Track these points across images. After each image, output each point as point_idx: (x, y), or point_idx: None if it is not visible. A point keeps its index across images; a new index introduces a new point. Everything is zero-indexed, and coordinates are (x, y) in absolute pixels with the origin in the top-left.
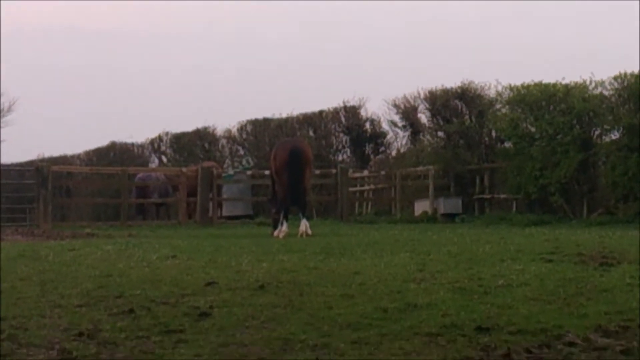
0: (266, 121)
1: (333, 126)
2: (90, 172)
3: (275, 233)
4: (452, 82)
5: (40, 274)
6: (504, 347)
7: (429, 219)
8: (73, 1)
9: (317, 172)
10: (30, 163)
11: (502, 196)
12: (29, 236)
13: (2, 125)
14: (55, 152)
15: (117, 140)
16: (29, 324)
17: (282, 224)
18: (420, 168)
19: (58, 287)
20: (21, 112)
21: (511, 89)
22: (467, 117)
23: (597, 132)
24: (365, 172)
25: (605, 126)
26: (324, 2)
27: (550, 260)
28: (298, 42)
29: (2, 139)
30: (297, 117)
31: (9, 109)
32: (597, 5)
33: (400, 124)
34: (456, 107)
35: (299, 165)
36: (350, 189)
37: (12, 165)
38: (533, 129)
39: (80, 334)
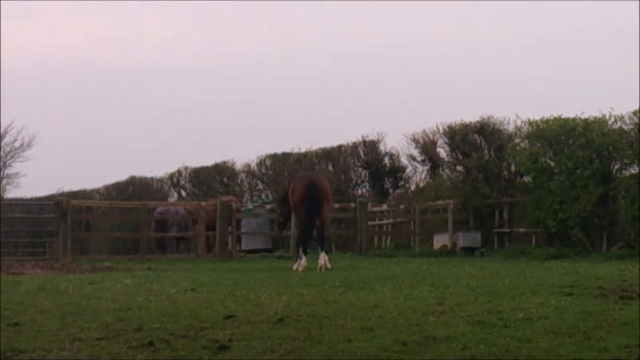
0: (285, 156)
1: (352, 160)
2: (110, 206)
3: (295, 267)
4: (471, 116)
5: (60, 307)
6: None
7: (448, 252)
8: (91, 36)
9: (336, 206)
10: (50, 197)
11: (522, 230)
12: (49, 270)
13: (22, 160)
14: (75, 187)
15: (136, 175)
16: (48, 357)
17: (301, 258)
18: (439, 202)
19: (78, 320)
20: (41, 147)
21: (530, 123)
22: (486, 151)
23: (616, 166)
24: (384, 206)
25: (625, 160)
26: (342, 38)
27: (570, 294)
28: (316, 76)
29: (22, 173)
30: (316, 152)
31: (29, 144)
32: (616, 40)
33: (419, 159)
34: (475, 142)
35: (317, 198)
36: (369, 222)
37: (32, 199)
38: (552, 163)
39: None
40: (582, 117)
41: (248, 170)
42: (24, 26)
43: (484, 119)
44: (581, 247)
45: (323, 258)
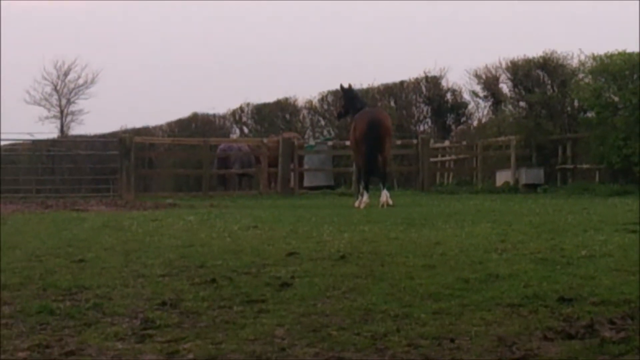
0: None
1: (414, 96)
2: (173, 143)
3: (356, 204)
4: (534, 51)
5: (123, 244)
6: (587, 318)
7: (511, 189)
8: None
9: (398, 142)
10: (114, 134)
11: (585, 166)
12: (113, 206)
13: (86, 97)
14: (138, 124)
15: (199, 112)
16: (113, 294)
17: (362, 195)
18: (501, 138)
19: (141, 257)
20: (104, 84)
21: (594, 58)
22: (549, 86)
23: None
24: (447, 143)
25: None
26: None
27: (633, 231)
28: (379, 13)
29: (86, 110)
30: (378, 88)
31: (92, 81)
32: None
33: (481, 94)
34: (538, 77)
35: (379, 135)
36: (432, 159)
37: (95, 136)
38: (616, 99)
39: (163, 304)
40: None
41: (310, 107)
42: None
43: (546, 54)
44: None
45: (385, 195)
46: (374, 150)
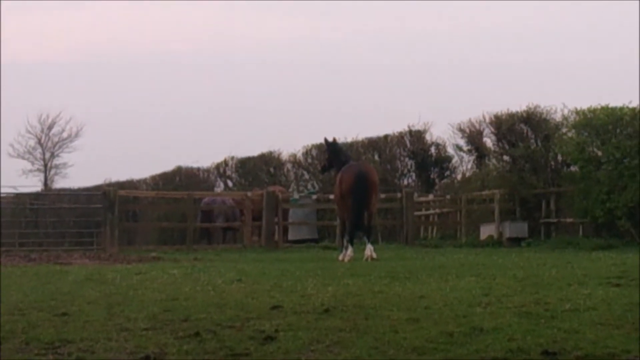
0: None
1: (398, 150)
2: (157, 197)
3: (341, 257)
4: (517, 106)
5: (107, 298)
6: None
7: (495, 243)
8: (136, 27)
9: (383, 196)
10: (98, 188)
11: (569, 220)
12: (96, 260)
13: (70, 150)
14: (122, 177)
15: (182, 165)
16: (96, 347)
17: (347, 248)
18: (485, 192)
19: (125, 310)
20: (88, 137)
21: (577, 112)
22: (532, 141)
23: None
24: (431, 196)
25: None
26: (385, 26)
27: (617, 285)
28: (363, 65)
29: (70, 164)
30: (362, 141)
31: (77, 134)
32: None
33: (465, 148)
34: (522, 131)
35: (365, 189)
36: (416, 213)
37: (79, 189)
38: (600, 153)
39: (147, 357)
40: (630, 106)
41: (294, 161)
42: (71, 16)
43: (530, 108)
44: (629, 238)
45: (369, 249)
46: (360, 204)
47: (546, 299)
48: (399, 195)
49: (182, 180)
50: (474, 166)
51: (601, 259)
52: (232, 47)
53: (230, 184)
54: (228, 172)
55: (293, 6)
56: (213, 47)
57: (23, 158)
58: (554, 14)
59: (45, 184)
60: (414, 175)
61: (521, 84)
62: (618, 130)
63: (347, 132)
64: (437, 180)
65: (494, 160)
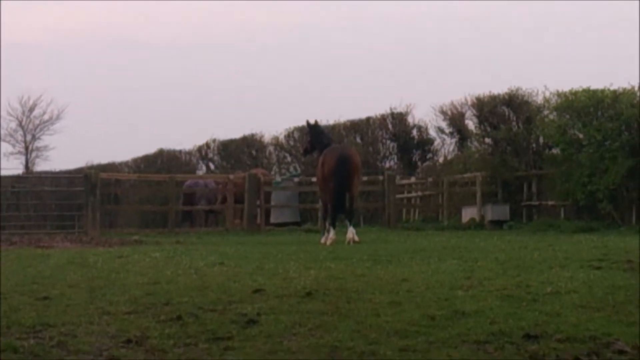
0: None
1: (380, 133)
2: (138, 180)
3: (323, 240)
4: (499, 88)
5: (88, 281)
6: (553, 355)
7: (477, 226)
8: (122, 11)
9: (365, 179)
10: (79, 170)
11: (550, 203)
12: (78, 243)
13: (51, 133)
14: (104, 160)
15: (165, 148)
16: (77, 331)
17: (329, 231)
18: (467, 175)
19: (106, 294)
20: (70, 120)
21: (559, 95)
22: (514, 123)
23: None
24: (413, 179)
25: None
26: (371, 5)
27: (598, 268)
28: (344, 46)
29: (51, 146)
30: (344, 124)
31: (58, 117)
32: None
33: (447, 131)
34: (503, 114)
35: (348, 172)
36: (398, 195)
37: (60, 172)
38: (581, 136)
39: (129, 341)
40: (611, 88)
41: (276, 143)
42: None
43: (512, 90)
44: (610, 220)
45: (351, 232)
46: (342, 187)
47: (528, 282)
48: (381, 177)
49: (164, 163)
50: (456, 149)
51: (582, 242)
52: (213, 29)
53: (212, 166)
54: (210, 155)
55: None
56: (194, 30)
57: (4, 141)
58: None
59: (27, 166)
60: (396, 157)
61: (503, 67)
62: (599, 113)
63: (329, 115)
64: (419, 163)
65: (475, 143)
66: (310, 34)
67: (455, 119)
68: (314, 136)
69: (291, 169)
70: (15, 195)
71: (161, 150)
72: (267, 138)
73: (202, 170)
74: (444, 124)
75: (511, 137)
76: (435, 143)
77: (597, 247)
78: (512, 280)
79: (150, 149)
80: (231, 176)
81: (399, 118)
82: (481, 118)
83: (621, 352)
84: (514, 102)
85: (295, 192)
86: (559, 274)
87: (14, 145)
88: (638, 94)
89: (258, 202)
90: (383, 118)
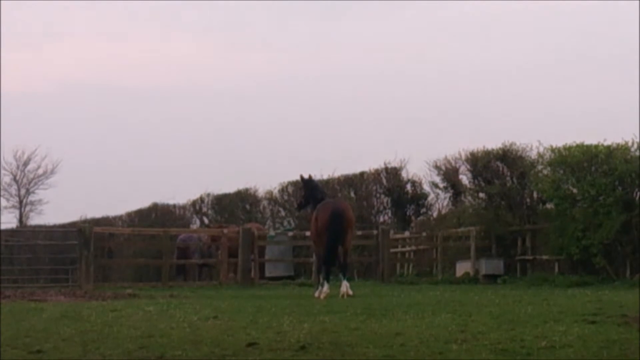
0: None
1: (374, 187)
2: (132, 234)
3: (317, 294)
4: (493, 143)
5: (82, 335)
6: None
7: (471, 280)
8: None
9: (359, 233)
10: (73, 224)
11: (544, 257)
12: (72, 297)
13: (45, 187)
14: (98, 214)
15: (158, 202)
16: None
17: (322, 285)
18: (461, 229)
19: (100, 347)
20: (64, 174)
21: (553, 150)
22: (508, 178)
23: (639, 194)
24: (407, 233)
25: None
26: (363, 63)
27: (593, 322)
28: (338, 102)
29: (45, 200)
30: (339, 178)
31: (52, 171)
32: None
33: (441, 186)
34: (497, 169)
35: (341, 226)
36: (392, 250)
37: (54, 226)
38: (575, 190)
39: None
40: (605, 144)
41: (270, 197)
42: (47, 50)
43: (506, 145)
44: (604, 275)
45: (345, 285)
46: (336, 241)
47: (522, 336)
48: (375, 232)
49: (158, 217)
50: (450, 203)
51: (577, 296)
52: (208, 83)
53: (206, 220)
54: (204, 209)
55: (267, 41)
56: (188, 83)
57: None
58: (529, 51)
59: (21, 220)
60: (390, 212)
61: (497, 122)
62: (593, 168)
63: (323, 169)
64: (413, 217)
65: (469, 198)
66: (305, 87)
67: (449, 174)
68: (308, 191)
69: (285, 223)
70: (9, 249)
71: (155, 204)
72: (261, 192)
73: (195, 225)
74: (438, 179)
75: (505, 192)
76: (429, 198)
77: (591, 302)
78: (506, 334)
79: (144, 203)
80: (225, 230)
81: (393, 173)
82: (475, 173)
83: None
84: (508, 157)
85: (289, 246)
86: (554, 328)
87: (8, 199)
88: (631, 149)
89: (252, 256)
90: (377, 172)
